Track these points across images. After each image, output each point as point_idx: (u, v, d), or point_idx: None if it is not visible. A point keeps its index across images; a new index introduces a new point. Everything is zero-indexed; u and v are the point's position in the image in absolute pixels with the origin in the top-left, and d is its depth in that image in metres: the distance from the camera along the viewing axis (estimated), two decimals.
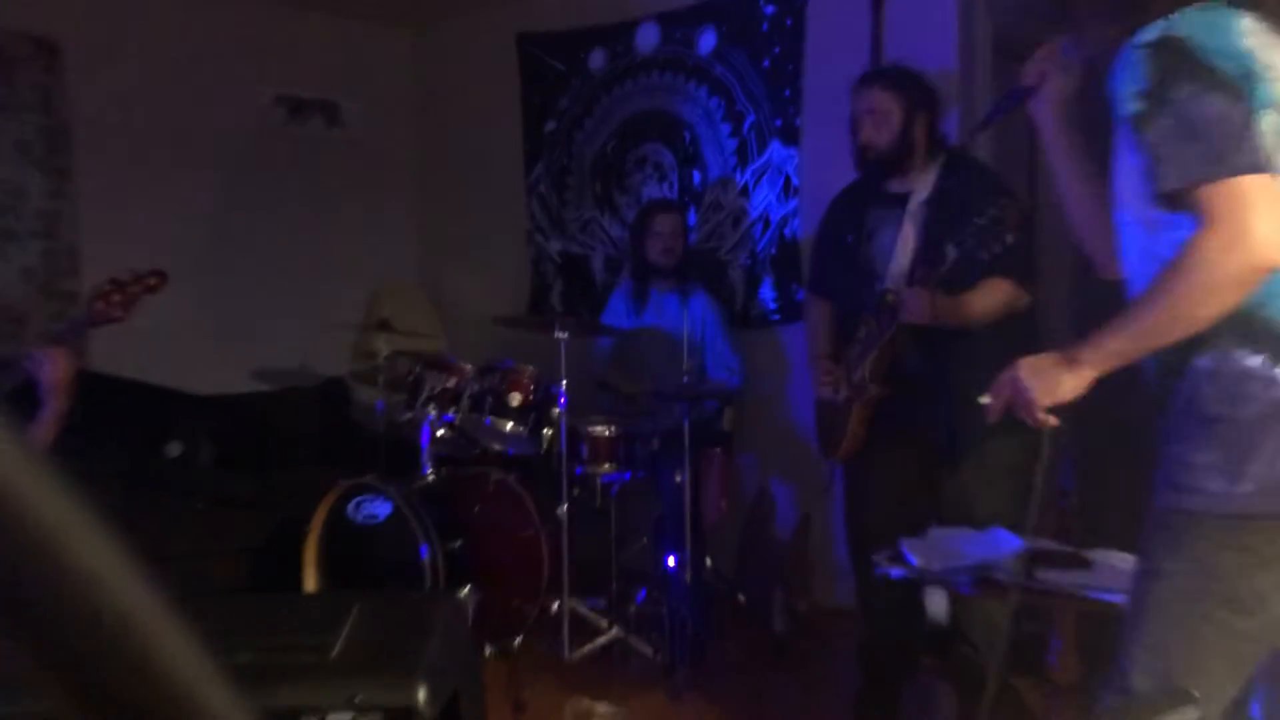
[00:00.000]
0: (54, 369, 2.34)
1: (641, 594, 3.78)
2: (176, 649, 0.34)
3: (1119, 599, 2.29)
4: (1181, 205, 1.37)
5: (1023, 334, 2.69)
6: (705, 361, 3.95)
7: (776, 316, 4.34)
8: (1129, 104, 1.41)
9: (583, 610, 3.57)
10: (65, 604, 0.32)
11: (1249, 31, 1.39)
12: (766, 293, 4.37)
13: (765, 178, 4.36)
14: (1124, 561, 2.45)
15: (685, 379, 3.53)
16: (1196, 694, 1.60)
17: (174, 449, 4.29)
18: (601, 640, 3.47)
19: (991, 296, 2.68)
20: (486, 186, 5.55)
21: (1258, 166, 1.32)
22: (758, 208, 4.39)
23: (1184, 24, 1.38)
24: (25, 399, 2.33)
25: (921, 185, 2.79)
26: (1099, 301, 1.62)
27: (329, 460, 4.52)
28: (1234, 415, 1.36)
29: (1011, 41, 3.66)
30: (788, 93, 4.26)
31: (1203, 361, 1.39)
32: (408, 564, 3.32)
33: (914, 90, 2.82)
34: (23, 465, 0.30)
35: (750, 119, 4.40)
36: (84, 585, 0.32)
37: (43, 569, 0.31)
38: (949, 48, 3.74)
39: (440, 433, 3.69)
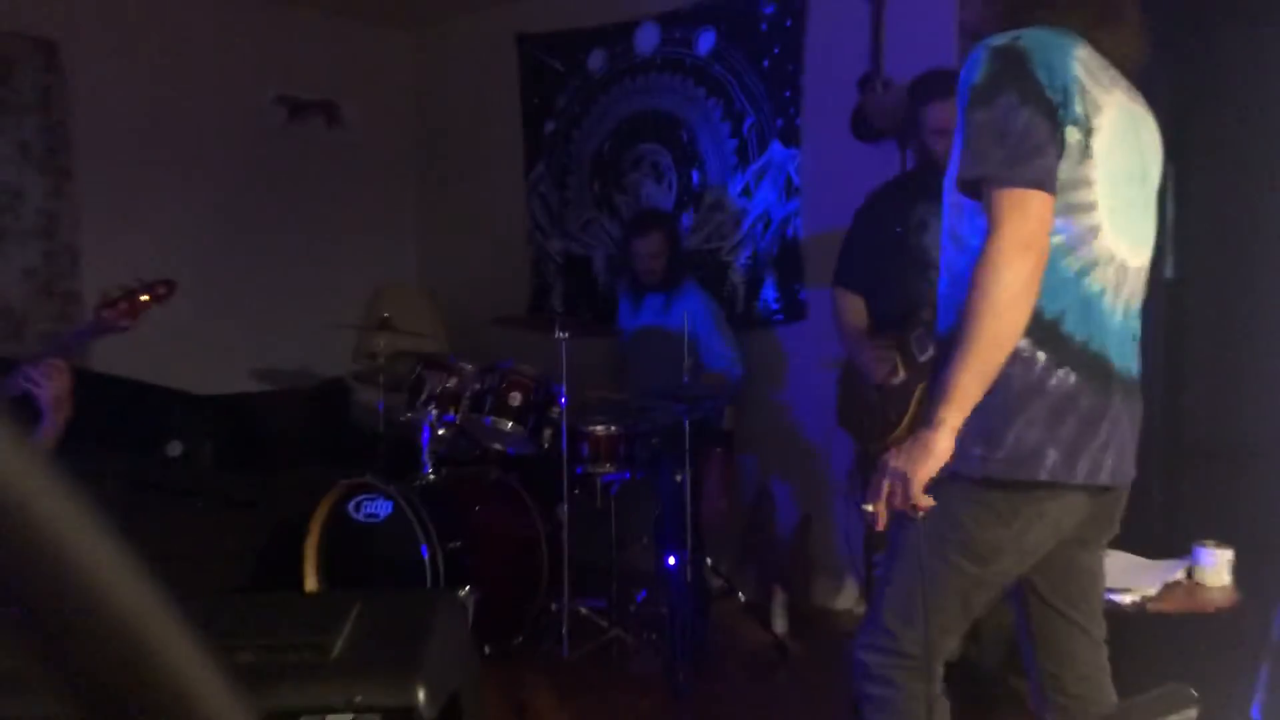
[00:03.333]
0: (55, 385, 2.26)
1: (641, 594, 3.78)
2: (177, 649, 0.34)
3: (1120, 598, 2.29)
4: (975, 195, 1.54)
5: None
6: (700, 357, 3.94)
7: (779, 317, 4.34)
8: (965, 94, 1.55)
9: (583, 610, 3.57)
10: (66, 603, 0.32)
11: (1080, 59, 1.56)
12: (769, 293, 4.36)
13: (766, 178, 4.36)
14: (1126, 560, 2.45)
15: (685, 378, 3.53)
16: (1196, 694, 1.61)
17: (174, 449, 4.29)
18: (601, 640, 3.47)
19: None
20: (486, 186, 5.55)
21: (1041, 184, 1.48)
22: (759, 208, 4.39)
23: (1030, 37, 1.55)
24: (23, 409, 2.29)
25: None
26: None
27: (329, 460, 4.52)
28: (997, 391, 1.49)
29: None
30: (788, 93, 4.26)
31: None
32: (408, 563, 3.32)
33: None
34: (23, 463, 0.30)
35: (750, 119, 4.40)
36: (85, 585, 0.32)
37: (44, 568, 0.31)
38: (949, 48, 3.74)
39: (441, 432, 3.68)
